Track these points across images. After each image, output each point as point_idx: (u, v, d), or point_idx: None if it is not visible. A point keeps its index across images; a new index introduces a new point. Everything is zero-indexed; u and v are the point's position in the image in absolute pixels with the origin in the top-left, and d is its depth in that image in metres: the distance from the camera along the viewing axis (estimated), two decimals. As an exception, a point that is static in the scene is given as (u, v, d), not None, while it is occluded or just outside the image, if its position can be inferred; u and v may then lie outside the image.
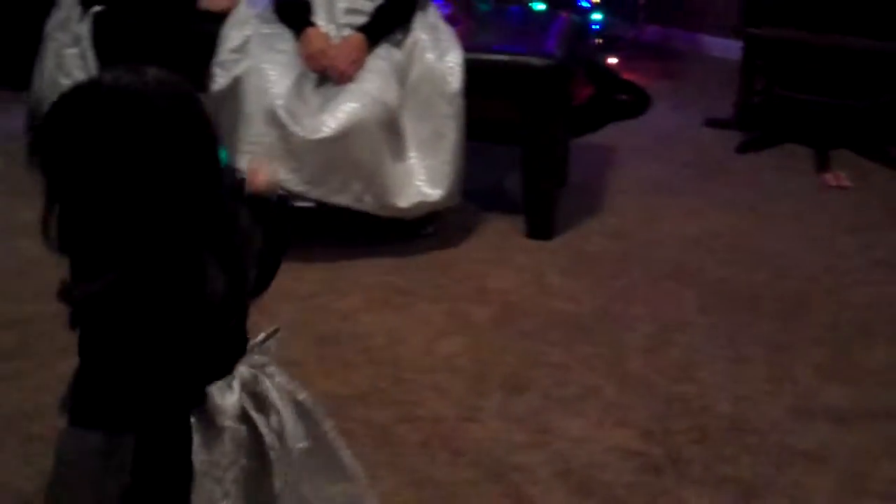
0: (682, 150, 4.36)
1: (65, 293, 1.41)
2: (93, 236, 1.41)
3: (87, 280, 1.39)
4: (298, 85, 3.20)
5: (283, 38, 3.27)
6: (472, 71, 3.34)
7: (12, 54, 4.39)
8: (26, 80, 3.87)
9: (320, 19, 3.30)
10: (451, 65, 3.33)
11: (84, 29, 3.62)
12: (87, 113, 1.36)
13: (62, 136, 1.38)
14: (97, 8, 3.59)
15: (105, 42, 3.56)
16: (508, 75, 3.41)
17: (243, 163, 3.15)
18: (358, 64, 3.22)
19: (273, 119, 3.13)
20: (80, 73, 3.60)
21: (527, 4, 4.50)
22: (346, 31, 3.29)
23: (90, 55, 3.58)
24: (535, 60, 3.40)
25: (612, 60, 4.98)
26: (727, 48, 5.13)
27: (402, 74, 3.28)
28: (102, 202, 1.37)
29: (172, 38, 3.56)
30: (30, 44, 3.87)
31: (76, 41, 3.64)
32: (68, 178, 1.39)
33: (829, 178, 4.14)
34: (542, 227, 3.52)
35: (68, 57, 3.65)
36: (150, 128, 1.35)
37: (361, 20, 3.31)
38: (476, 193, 3.62)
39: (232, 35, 3.35)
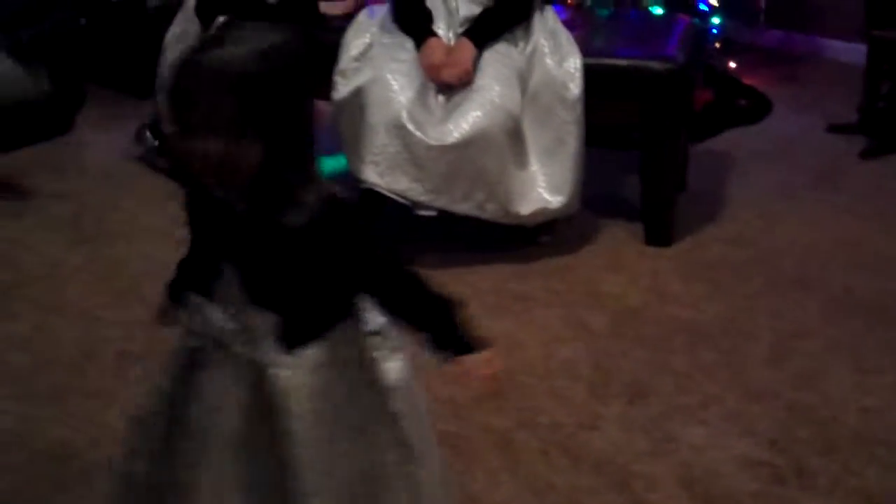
0: (803, 156, 4.27)
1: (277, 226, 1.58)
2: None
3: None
4: (422, 93, 3.21)
5: (404, 48, 3.29)
6: (592, 76, 3.32)
7: (135, 63, 4.51)
8: (148, 89, 3.97)
9: (440, 28, 3.31)
10: (571, 70, 3.32)
11: None
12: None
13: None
14: (220, 19, 3.62)
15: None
16: (629, 80, 3.38)
17: (369, 173, 3.17)
18: (466, 70, 3.21)
19: (398, 129, 3.14)
20: None
21: (645, 8, 4.46)
22: None
23: None
24: (656, 65, 3.37)
25: (732, 65, 4.91)
26: (850, 52, 5.01)
27: (523, 80, 3.28)
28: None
29: (294, 46, 3.61)
30: (152, 53, 3.96)
31: None
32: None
33: (958, 183, 4.03)
34: (660, 234, 3.48)
35: None
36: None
37: None
38: (593, 199, 3.60)
39: (353, 44, 3.39)
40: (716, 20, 4.77)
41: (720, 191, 3.92)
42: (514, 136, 3.22)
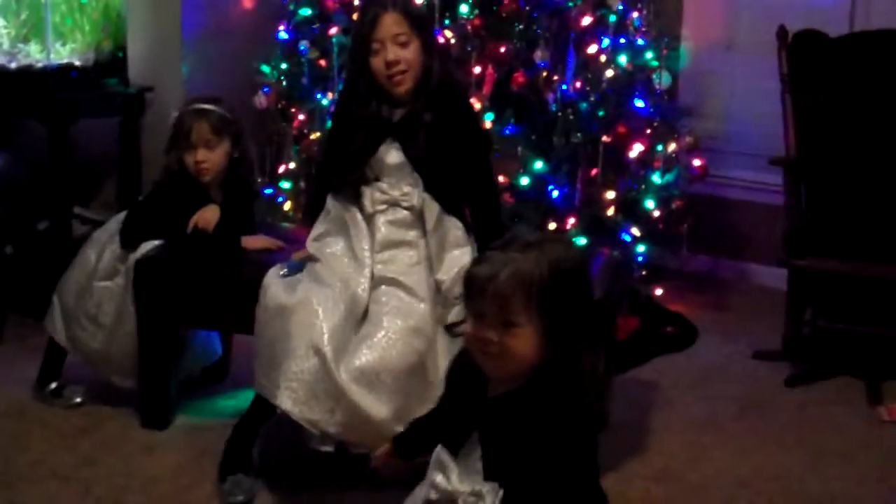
0: (730, 385, 4.27)
1: None
2: None
3: None
4: (345, 322, 3.15)
5: (333, 270, 3.26)
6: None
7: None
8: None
9: (365, 248, 3.31)
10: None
11: (122, 268, 3.66)
12: None
13: None
14: (139, 254, 3.62)
15: (147, 288, 3.60)
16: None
17: (283, 400, 3.08)
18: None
19: (318, 355, 3.07)
20: (110, 307, 3.64)
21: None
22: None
23: (129, 300, 3.61)
24: (574, 300, 3.37)
25: (658, 292, 4.95)
26: (775, 277, 5.06)
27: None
28: None
29: (218, 282, 3.58)
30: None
31: (111, 275, 3.68)
32: None
33: (882, 411, 4.03)
34: (584, 470, 3.42)
35: (97, 289, 3.69)
36: None
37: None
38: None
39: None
40: (640, 248, 4.83)
41: (645, 422, 3.89)
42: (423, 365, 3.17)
